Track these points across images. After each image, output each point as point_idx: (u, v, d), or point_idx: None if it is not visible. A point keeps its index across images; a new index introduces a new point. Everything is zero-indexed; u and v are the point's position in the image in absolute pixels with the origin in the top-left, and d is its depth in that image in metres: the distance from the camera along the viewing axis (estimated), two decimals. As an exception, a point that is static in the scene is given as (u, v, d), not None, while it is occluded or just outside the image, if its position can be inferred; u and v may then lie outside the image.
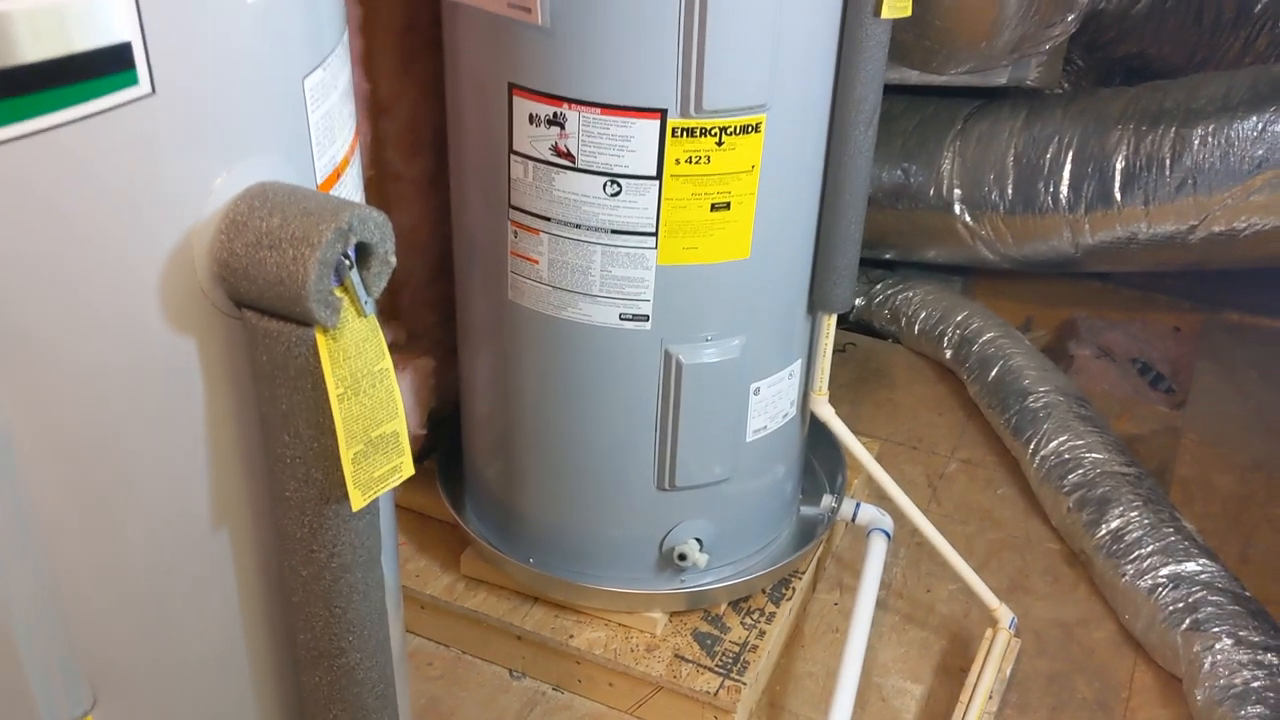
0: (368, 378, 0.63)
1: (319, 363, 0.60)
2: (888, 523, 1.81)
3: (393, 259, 0.62)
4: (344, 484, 0.64)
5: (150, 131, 0.57)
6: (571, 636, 1.67)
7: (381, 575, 0.72)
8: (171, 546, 0.63)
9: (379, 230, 0.61)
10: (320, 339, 0.60)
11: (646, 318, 1.44)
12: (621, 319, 1.45)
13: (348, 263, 0.60)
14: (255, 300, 0.59)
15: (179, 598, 0.65)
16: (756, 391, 1.56)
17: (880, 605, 1.80)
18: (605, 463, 1.58)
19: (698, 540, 1.62)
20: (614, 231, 1.39)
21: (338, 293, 0.59)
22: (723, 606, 1.71)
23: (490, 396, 1.65)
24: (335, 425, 0.62)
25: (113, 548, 0.60)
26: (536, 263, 1.45)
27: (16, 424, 0.54)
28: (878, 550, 1.76)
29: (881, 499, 1.81)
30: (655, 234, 1.38)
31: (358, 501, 0.64)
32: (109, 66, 0.55)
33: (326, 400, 0.61)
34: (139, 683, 0.65)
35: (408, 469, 0.68)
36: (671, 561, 1.62)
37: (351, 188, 0.72)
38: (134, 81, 0.56)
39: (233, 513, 0.65)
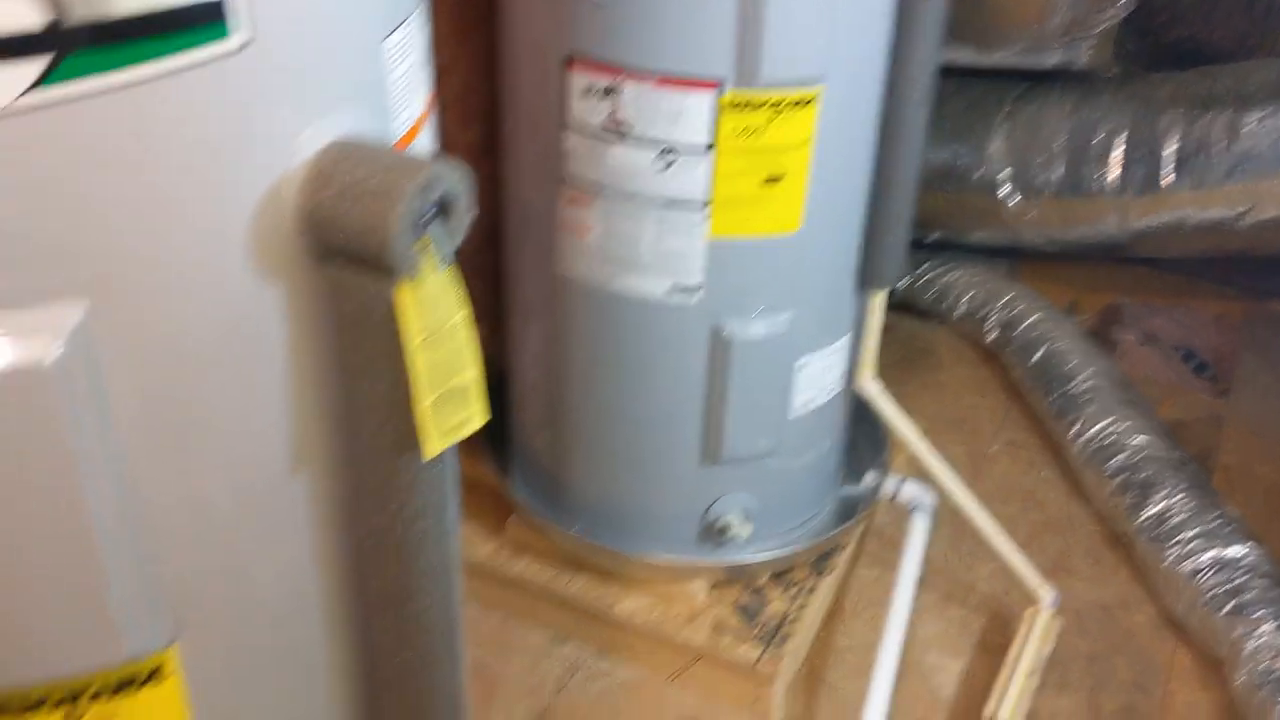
0: (445, 328, 0.65)
1: (399, 313, 0.62)
2: (930, 501, 1.82)
3: (471, 214, 0.64)
4: (419, 432, 0.66)
5: (241, 84, 0.58)
6: (614, 604, 1.69)
7: (450, 525, 0.74)
8: (250, 488, 0.66)
9: (460, 185, 0.63)
10: (401, 290, 0.62)
11: (695, 290, 1.46)
12: (670, 291, 1.46)
13: (429, 216, 0.61)
14: (339, 250, 0.61)
15: (256, 538, 0.67)
16: (804, 367, 1.57)
17: (921, 583, 1.81)
18: (651, 434, 1.60)
19: (741, 513, 1.64)
20: (666, 204, 1.40)
21: (419, 245, 0.61)
22: (764, 579, 1.73)
23: (538, 367, 1.67)
24: (413, 375, 0.64)
25: (194, 484, 0.63)
26: (587, 234, 1.46)
27: (112, 358, 0.56)
28: (920, 528, 1.77)
29: (925, 477, 1.81)
30: (707, 207, 1.39)
31: (432, 449, 0.66)
32: (202, 20, 0.57)
33: (405, 350, 0.63)
34: (218, 619, 0.68)
35: (480, 419, 0.70)
36: (714, 533, 1.64)
37: (425, 148, 0.74)
38: (225, 34, 0.58)
39: (310, 458, 0.67)
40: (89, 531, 0.58)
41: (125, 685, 0.65)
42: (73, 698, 0.65)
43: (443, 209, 0.63)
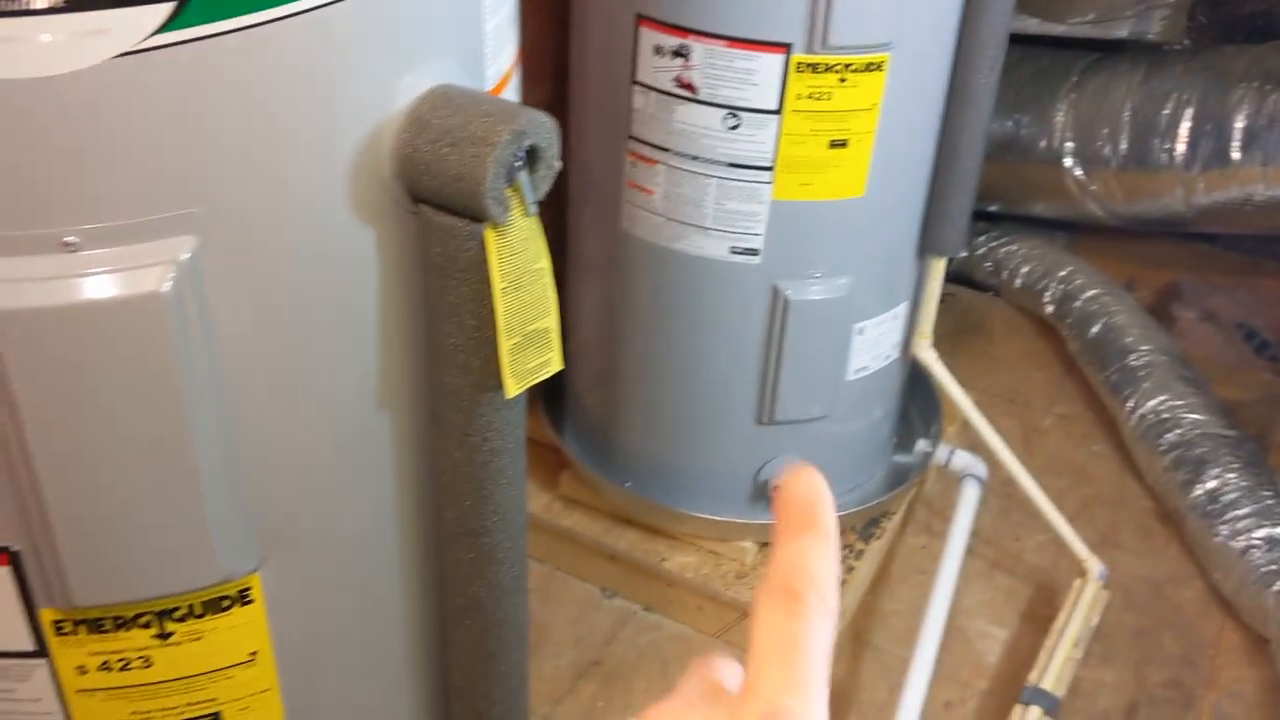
0: (528, 274, 0.67)
1: (487, 257, 0.64)
2: (981, 470, 1.82)
3: (558, 164, 0.66)
4: (500, 373, 0.68)
5: (344, 32, 0.61)
6: (663, 559, 1.72)
7: (524, 464, 0.77)
8: (340, 421, 0.68)
9: (549, 135, 0.65)
10: (490, 235, 0.64)
11: (757, 252, 1.47)
12: (732, 253, 1.47)
13: (519, 164, 0.63)
14: (433, 195, 0.63)
15: (343, 470, 0.70)
16: (861, 331, 1.58)
17: (969, 551, 1.81)
18: (707, 394, 1.61)
19: (793, 474, 1.65)
20: (731, 165, 1.41)
21: (508, 192, 0.63)
22: (813, 541, 1.74)
23: (596, 324, 1.69)
24: (497, 317, 0.66)
25: (290, 414, 0.66)
26: (652, 193, 1.48)
27: (220, 290, 0.59)
28: (970, 496, 1.78)
29: (976, 448, 1.82)
30: (772, 169, 1.40)
31: (512, 390, 0.69)
32: (309, -28, 0.59)
33: (491, 293, 0.65)
34: (302, 546, 0.71)
35: (557, 363, 0.72)
36: (765, 494, 1.66)
37: (513, 98, 0.76)
38: (332, -15, 0.60)
39: (397, 395, 0.70)
40: (192, 457, 0.61)
41: (212, 607, 0.69)
42: (163, 616, 0.68)
43: (531, 158, 0.64)
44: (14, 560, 0.64)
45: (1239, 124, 2.15)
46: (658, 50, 1.38)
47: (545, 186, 0.66)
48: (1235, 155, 2.16)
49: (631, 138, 1.46)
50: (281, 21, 0.56)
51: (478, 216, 0.63)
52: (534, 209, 0.67)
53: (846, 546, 1.74)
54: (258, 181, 0.59)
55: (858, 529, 1.77)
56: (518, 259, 0.66)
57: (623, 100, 1.45)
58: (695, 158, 1.42)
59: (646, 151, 1.45)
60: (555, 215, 1.75)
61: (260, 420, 0.64)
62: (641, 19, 1.38)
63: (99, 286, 0.56)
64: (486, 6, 0.68)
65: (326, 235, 0.63)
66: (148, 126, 0.55)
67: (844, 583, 1.68)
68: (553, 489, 1.82)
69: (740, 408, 1.60)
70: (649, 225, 1.50)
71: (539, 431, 1.85)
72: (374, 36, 0.61)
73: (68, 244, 0.56)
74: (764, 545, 1.72)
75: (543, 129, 0.64)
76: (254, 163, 0.58)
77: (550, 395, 1.86)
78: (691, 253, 1.48)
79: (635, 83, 1.42)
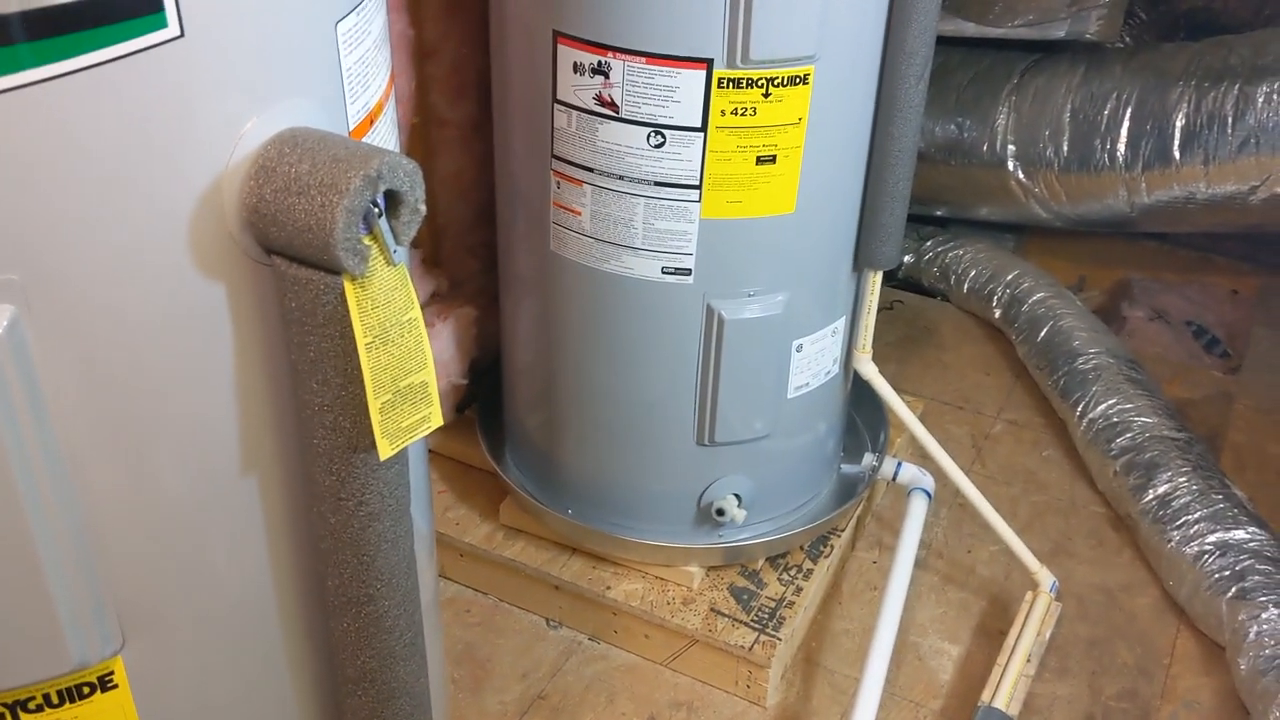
0: (396, 327, 0.62)
1: (347, 311, 0.60)
2: (929, 482, 1.80)
3: (422, 208, 0.62)
4: (372, 433, 0.64)
5: (179, 74, 0.56)
6: (609, 588, 1.67)
7: (410, 524, 0.72)
8: (201, 489, 0.64)
9: (409, 178, 0.60)
10: (348, 287, 0.59)
11: (689, 272, 1.43)
12: (664, 273, 1.44)
13: (377, 210, 0.59)
14: (284, 247, 0.59)
15: (209, 540, 0.66)
16: (799, 348, 1.54)
17: (920, 565, 1.79)
18: (646, 416, 1.57)
19: (736, 496, 1.61)
20: (657, 184, 1.37)
21: (366, 241, 0.59)
22: (760, 562, 1.71)
23: (531, 347, 1.65)
24: (363, 374, 0.62)
25: (142, 487, 0.61)
26: (579, 214, 1.44)
27: (48, 362, 0.54)
28: (918, 510, 1.75)
29: (925, 459, 1.79)
30: (699, 187, 1.37)
31: (385, 451, 0.64)
32: (138, 8, 0.54)
33: (354, 349, 0.61)
34: (169, 624, 0.66)
35: (436, 419, 0.68)
36: (710, 516, 1.62)
37: (385, 135, 0.72)
38: (163, 24, 0.56)
39: (262, 459, 0.65)
40: (30, 542, 0.57)
41: (71, 695, 0.64)
42: (17, 707, 0.63)
43: (392, 203, 0.60)
44: None
45: (1179, 122, 2.14)
46: (577, 68, 1.34)
47: (410, 233, 0.62)
48: (1176, 154, 2.15)
49: (556, 157, 1.42)
50: (102, 66, 0.52)
51: (333, 268, 0.58)
52: (399, 257, 0.63)
53: (795, 567, 1.71)
54: (86, 238, 0.54)
55: (805, 548, 1.74)
56: (383, 310, 0.61)
57: (545, 119, 1.41)
58: (621, 177, 1.38)
59: (572, 171, 1.41)
60: (488, 235, 1.71)
61: (108, 495, 0.59)
62: (560, 36, 1.34)
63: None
64: (344, 39, 0.64)
65: (168, 294, 0.58)
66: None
67: (792, 605, 1.64)
68: (494, 518, 1.78)
69: (680, 429, 1.57)
70: (578, 246, 1.46)
71: (478, 457, 1.81)
72: (210, 77, 0.57)
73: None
74: (710, 569, 1.68)
75: (400, 172, 0.59)
76: (80, 218, 0.54)
77: (488, 420, 1.82)
78: (622, 274, 1.44)
79: (557, 101, 1.38)
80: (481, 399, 1.85)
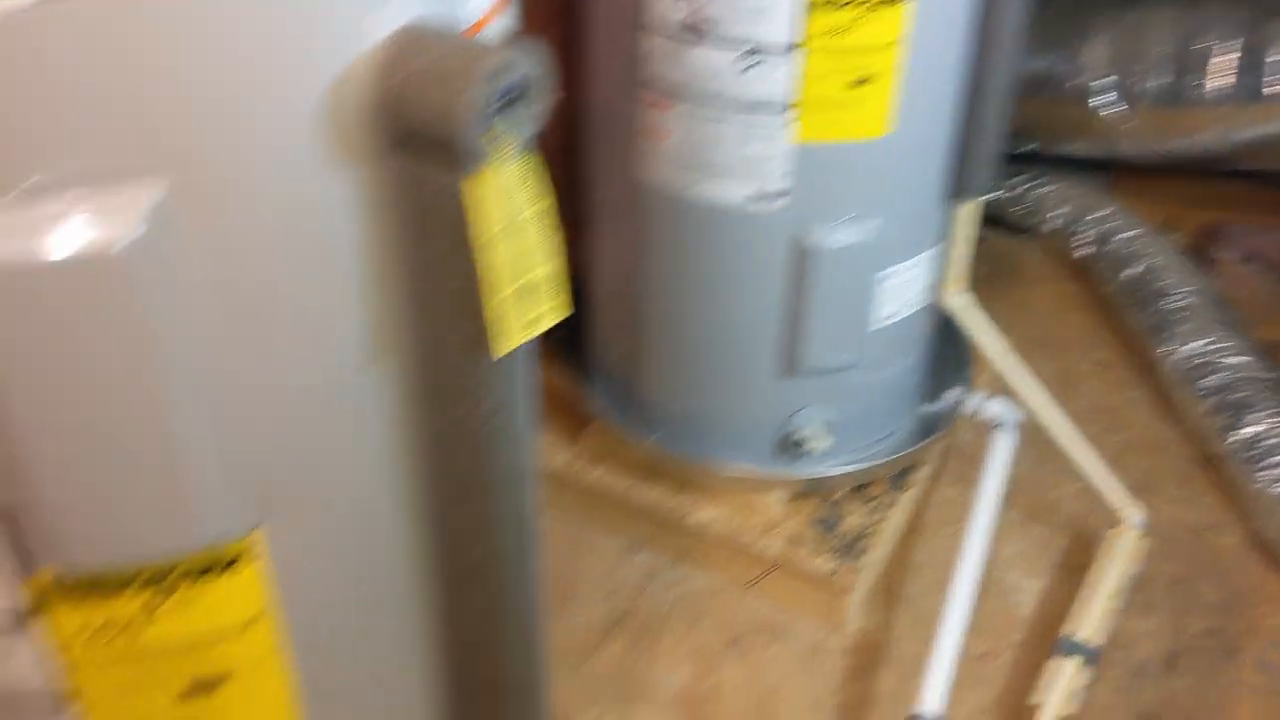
0: (521, 222, 0.64)
1: (471, 205, 0.61)
2: (1014, 418, 1.78)
3: (547, 99, 0.62)
4: (492, 329, 0.65)
5: (313, -34, 0.57)
6: (691, 513, 1.69)
7: (526, 420, 0.74)
8: (326, 379, 0.66)
9: (536, 69, 0.61)
10: (473, 181, 0.60)
11: (778, 197, 1.43)
12: (752, 198, 1.43)
13: (502, 103, 0.60)
14: (410, 138, 0.60)
15: (333, 429, 0.68)
16: (887, 277, 1.53)
17: (1003, 501, 1.78)
18: (730, 345, 1.58)
19: (819, 426, 1.62)
20: (748, 107, 1.36)
21: (491, 133, 0.60)
22: (842, 493, 1.72)
23: (615, 275, 1.66)
24: (484, 269, 0.63)
25: (271, 374, 0.63)
26: (666, 139, 1.44)
27: (188, 246, 0.56)
28: (1003, 445, 1.74)
29: (1010, 395, 1.77)
30: (791, 110, 1.36)
31: (504, 347, 0.66)
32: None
33: (477, 243, 0.62)
34: (297, 508, 0.69)
35: (555, 315, 0.69)
36: (792, 446, 1.63)
37: (501, 34, 0.72)
38: (298, -83, 0.57)
39: (385, 351, 0.67)
40: (168, 415, 0.59)
41: (208, 570, 0.67)
42: (159, 579, 0.66)
43: (519, 95, 0.61)
44: (5, 520, 0.62)
45: (1275, 57, 2.07)
46: (669, -11, 1.33)
47: (535, 125, 0.63)
48: (1272, 89, 2.08)
49: (643, 81, 1.42)
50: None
51: (458, 160, 0.59)
52: (523, 150, 0.64)
53: (877, 499, 1.71)
54: (224, 125, 0.56)
55: (888, 480, 1.74)
56: (507, 205, 0.62)
57: (632, 42, 1.40)
58: (710, 101, 1.37)
59: (659, 95, 1.41)
60: (572, 162, 1.71)
61: (243, 376, 0.62)
62: (651, -45, 1.33)
63: (62, 238, 0.53)
64: (468, -64, 0.65)
65: (301, 181, 0.60)
66: (106, 63, 0.52)
67: (874, 535, 1.65)
68: (577, 443, 1.80)
69: (763, 358, 1.57)
70: (664, 172, 1.46)
71: (562, 383, 1.83)
72: (342, -30, 0.58)
73: (30, 192, 0.53)
74: (792, 497, 1.69)
75: (528, 62, 0.60)
76: (219, 104, 0.56)
77: (573, 346, 1.84)
78: (709, 200, 1.44)
79: (644, 23, 1.38)
80: (566, 325, 1.87)
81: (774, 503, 1.67)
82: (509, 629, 0.80)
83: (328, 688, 0.76)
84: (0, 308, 0.54)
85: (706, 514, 1.69)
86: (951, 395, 1.80)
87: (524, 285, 0.66)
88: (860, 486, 1.72)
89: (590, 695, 1.47)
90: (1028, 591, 1.70)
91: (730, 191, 1.43)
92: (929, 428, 1.77)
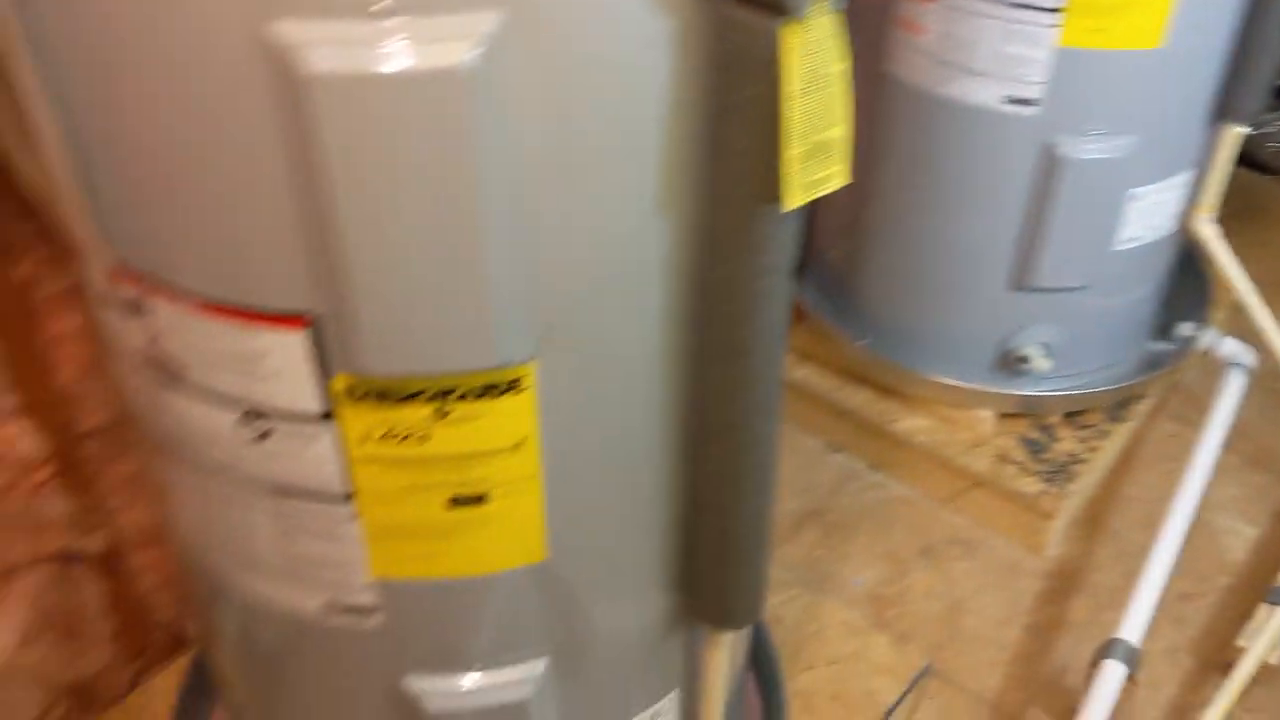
0: (823, 77, 0.64)
1: (782, 55, 0.62)
2: (1249, 359, 1.70)
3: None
4: (782, 183, 0.66)
5: None
6: (895, 420, 1.69)
7: (791, 287, 0.75)
8: (620, 219, 0.68)
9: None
10: (787, 30, 0.61)
11: (1033, 103, 1.38)
12: (1005, 102, 1.39)
13: (824, -47, 0.60)
14: (732, -15, 0.61)
15: (617, 269, 0.70)
16: (1136, 198, 1.47)
17: (1224, 444, 1.71)
18: (960, 253, 1.55)
19: (1042, 345, 1.58)
20: (1016, 4, 1.32)
21: (813, -16, 0.60)
22: (1056, 417, 1.68)
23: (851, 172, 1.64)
24: (785, 122, 0.64)
25: (572, 207, 0.66)
26: (923, 33, 1.40)
27: (517, 75, 0.59)
28: (1234, 386, 1.66)
29: (1245, 337, 1.69)
30: (1061, 11, 1.30)
31: (792, 202, 0.67)
32: None
33: (781, 95, 0.63)
34: (574, 342, 0.72)
35: (841, 178, 0.70)
36: (1011, 362, 1.60)
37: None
38: None
39: (674, 199, 0.69)
40: (482, 238, 0.63)
41: (488, 391, 0.71)
42: (443, 394, 0.71)
43: (837, -51, 0.61)
44: (312, 324, 0.68)
45: None
46: (947, -124, 1.29)
47: (850, -17, 0.63)
48: None
49: (907, -27, 1.39)
50: None
51: (777, 9, 0.60)
52: (837, 5, 0.64)
53: (1092, 426, 1.66)
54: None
55: (1106, 409, 1.69)
56: (814, 58, 0.63)
57: (903, -68, 1.37)
58: (976, -4, 1.33)
59: (922, -11, 1.37)
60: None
61: (546, 208, 0.65)
62: None
63: (405, 54, 0.57)
64: None
65: (626, 23, 0.62)
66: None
67: (1085, 462, 1.61)
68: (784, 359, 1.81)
69: (994, 270, 1.54)
70: (916, 67, 1.43)
71: (777, 282, 1.83)
72: None
73: (377, 12, 0.57)
74: (1003, 415, 1.67)
75: (856, -83, 0.60)
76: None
77: (792, 246, 1.83)
78: (960, 100, 1.41)
79: (917, -87, 1.34)
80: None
81: (984, 419, 1.65)
82: (745, 491, 0.83)
83: (571, 519, 0.80)
84: (344, 116, 0.58)
85: (912, 423, 1.68)
86: (1185, 329, 1.72)
87: (817, 143, 0.66)
88: (1076, 413, 1.68)
89: (781, 580, 1.50)
90: (1240, 536, 1.64)
91: (984, 92, 1.39)
92: (1156, 360, 1.71)
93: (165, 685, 1.32)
